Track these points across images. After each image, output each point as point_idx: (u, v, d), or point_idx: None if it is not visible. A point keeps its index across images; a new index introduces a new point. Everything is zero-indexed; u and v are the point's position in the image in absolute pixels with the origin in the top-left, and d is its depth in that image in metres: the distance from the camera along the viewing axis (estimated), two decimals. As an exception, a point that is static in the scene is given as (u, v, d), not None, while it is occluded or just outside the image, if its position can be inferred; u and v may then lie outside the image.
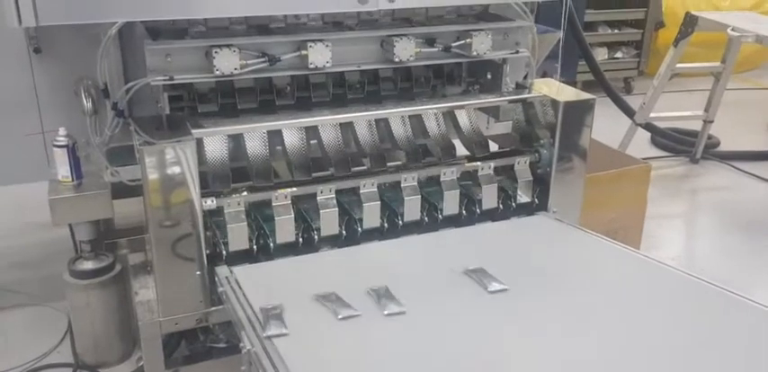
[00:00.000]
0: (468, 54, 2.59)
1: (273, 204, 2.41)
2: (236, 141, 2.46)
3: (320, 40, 2.36)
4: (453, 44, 2.57)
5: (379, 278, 2.19)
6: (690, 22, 4.59)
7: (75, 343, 2.90)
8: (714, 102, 4.91)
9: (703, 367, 1.83)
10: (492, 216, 2.76)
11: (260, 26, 2.54)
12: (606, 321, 2.02)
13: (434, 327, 1.97)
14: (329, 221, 2.49)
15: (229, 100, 2.58)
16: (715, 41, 5.03)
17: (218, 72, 2.26)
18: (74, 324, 2.88)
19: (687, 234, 4.37)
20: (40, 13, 1.96)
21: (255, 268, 2.37)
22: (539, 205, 2.82)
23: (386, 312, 2.02)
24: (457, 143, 2.77)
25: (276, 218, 2.41)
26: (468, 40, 2.57)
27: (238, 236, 2.37)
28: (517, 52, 2.70)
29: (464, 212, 2.72)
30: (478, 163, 2.72)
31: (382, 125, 2.66)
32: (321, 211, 2.47)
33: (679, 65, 4.74)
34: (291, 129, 2.51)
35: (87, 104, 2.41)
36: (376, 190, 2.55)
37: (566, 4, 3.74)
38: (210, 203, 2.32)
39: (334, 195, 2.50)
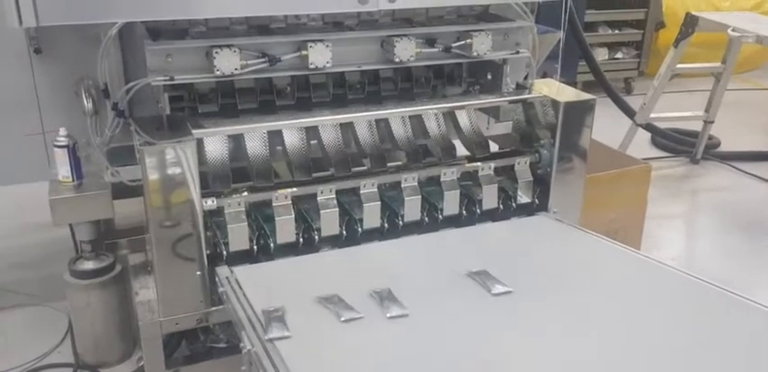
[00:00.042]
0: (469, 54, 2.59)
1: (274, 204, 2.41)
2: (237, 141, 2.46)
3: (320, 41, 2.36)
4: (454, 44, 2.57)
5: (381, 279, 2.18)
6: (690, 23, 4.59)
7: (76, 343, 2.91)
8: (714, 103, 4.91)
9: (704, 367, 1.83)
10: (492, 216, 2.76)
11: (260, 26, 2.54)
12: (607, 321, 2.02)
13: (438, 330, 1.96)
14: (329, 221, 2.49)
15: (230, 100, 2.58)
16: (715, 42, 5.03)
17: (218, 72, 2.26)
18: (74, 324, 2.88)
19: (687, 234, 4.37)
20: (41, 14, 1.96)
21: (256, 268, 2.37)
22: (539, 205, 2.82)
23: (389, 314, 2.00)
24: (457, 143, 2.77)
25: (276, 219, 2.41)
26: (468, 41, 2.57)
27: (239, 236, 2.37)
28: (517, 52, 2.70)
29: (464, 212, 2.72)
30: (479, 163, 2.72)
31: (382, 125, 2.66)
32: (321, 211, 2.47)
33: (679, 65, 4.74)
34: (292, 130, 2.51)
35: (88, 104, 2.41)
36: (376, 190, 2.55)
37: (566, 5, 3.74)
38: (211, 203, 2.32)
39: (334, 195, 2.50)
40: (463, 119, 2.80)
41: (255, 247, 2.43)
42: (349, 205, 2.55)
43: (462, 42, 2.58)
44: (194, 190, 2.24)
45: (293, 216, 2.43)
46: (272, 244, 2.43)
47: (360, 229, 2.54)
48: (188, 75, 2.28)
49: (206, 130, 2.32)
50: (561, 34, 3.48)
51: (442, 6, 2.75)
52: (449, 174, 2.66)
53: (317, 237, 2.50)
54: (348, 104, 2.70)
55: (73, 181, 2.56)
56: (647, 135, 5.32)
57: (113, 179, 2.41)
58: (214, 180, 2.38)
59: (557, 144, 2.71)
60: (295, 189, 2.45)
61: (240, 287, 2.20)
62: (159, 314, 2.35)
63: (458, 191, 2.66)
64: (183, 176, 2.21)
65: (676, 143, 5.31)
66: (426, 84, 2.90)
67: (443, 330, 1.96)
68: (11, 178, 2.71)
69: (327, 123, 2.52)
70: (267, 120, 2.45)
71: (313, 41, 2.35)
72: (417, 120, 2.71)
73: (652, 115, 4.87)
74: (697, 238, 4.29)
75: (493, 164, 2.73)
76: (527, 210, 2.81)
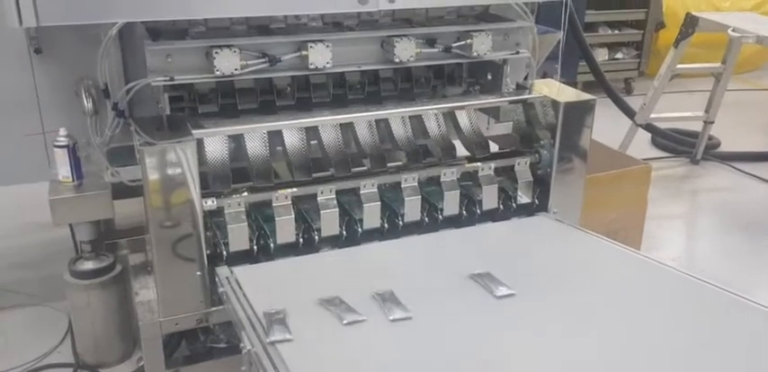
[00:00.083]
0: (469, 54, 2.59)
1: (274, 204, 2.41)
2: (237, 141, 2.46)
3: (321, 41, 2.36)
4: (454, 45, 2.57)
5: (383, 280, 2.17)
6: (690, 23, 4.59)
7: (76, 343, 2.91)
8: (714, 103, 4.91)
9: (704, 367, 1.82)
10: (492, 216, 2.76)
11: (260, 26, 2.54)
12: (607, 322, 2.02)
13: (442, 333, 1.94)
14: (329, 221, 2.49)
15: (230, 100, 2.58)
16: (715, 42, 5.03)
17: (218, 72, 2.26)
18: (74, 324, 2.88)
19: (687, 234, 4.37)
20: (41, 14, 1.96)
21: (256, 268, 2.37)
22: (539, 205, 2.82)
23: (392, 317, 1.98)
24: (457, 143, 2.77)
25: (276, 219, 2.41)
26: (468, 41, 2.57)
27: (239, 237, 2.37)
28: (517, 53, 2.70)
29: (464, 213, 2.72)
30: (479, 163, 2.72)
31: (383, 125, 2.66)
32: (321, 212, 2.47)
33: (679, 65, 4.74)
34: (292, 130, 2.51)
35: (88, 105, 2.41)
36: (376, 190, 2.55)
37: (566, 5, 3.75)
38: (211, 203, 2.32)
39: (334, 195, 2.50)
40: (463, 119, 2.80)
41: (255, 247, 2.43)
42: (349, 205, 2.55)
43: (462, 42, 2.58)
44: (194, 190, 2.24)
45: (293, 216, 2.43)
46: (272, 245, 2.43)
47: (360, 229, 2.54)
48: (188, 76, 2.28)
49: (206, 130, 2.32)
50: (561, 34, 3.48)
51: (442, 6, 2.75)
52: (449, 175, 2.66)
53: (317, 237, 2.50)
54: (348, 104, 2.70)
55: (73, 181, 2.56)
56: (648, 135, 5.32)
57: (113, 179, 2.41)
58: (214, 180, 2.38)
59: (557, 144, 2.71)
60: (295, 189, 2.45)
61: (240, 288, 2.20)
62: (159, 314, 2.35)
63: (458, 192, 2.66)
64: (183, 176, 2.20)
65: (676, 143, 5.31)
66: (426, 85, 2.90)
67: (447, 333, 1.94)
68: (11, 178, 2.71)
69: (327, 123, 2.52)
70: (267, 121, 2.45)
71: (313, 42, 2.35)
72: (417, 121, 2.71)
73: (652, 115, 4.87)
74: (697, 238, 4.29)
75: (493, 165, 2.73)
76: (527, 211, 2.81)
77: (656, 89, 4.75)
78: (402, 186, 2.59)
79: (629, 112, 4.98)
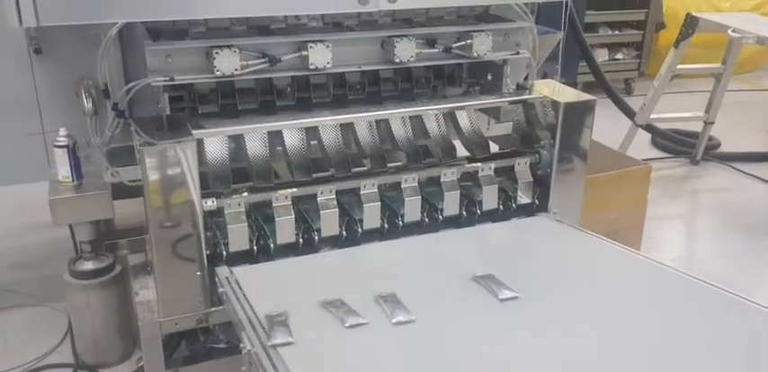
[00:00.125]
0: (469, 55, 2.59)
1: (274, 205, 2.41)
2: (237, 142, 2.46)
3: (321, 41, 2.36)
4: (454, 45, 2.57)
5: (384, 281, 2.16)
6: (690, 24, 4.59)
7: (76, 343, 2.90)
8: (715, 104, 4.91)
9: (704, 367, 1.82)
10: (492, 216, 2.76)
11: (260, 27, 2.54)
12: (606, 322, 2.02)
13: (446, 337, 1.92)
14: (329, 222, 2.49)
15: (230, 100, 2.58)
16: (716, 43, 5.03)
17: (218, 72, 2.26)
18: (74, 325, 2.88)
19: (687, 235, 4.37)
20: (41, 14, 1.96)
21: (256, 268, 2.37)
22: (539, 206, 2.81)
23: (394, 320, 1.96)
24: (457, 144, 2.77)
25: (276, 219, 2.41)
26: (468, 41, 2.57)
27: (239, 237, 2.37)
28: (518, 53, 2.70)
29: (464, 213, 2.72)
30: (479, 164, 2.72)
31: (383, 126, 2.66)
32: (321, 212, 2.47)
33: (679, 66, 4.74)
34: (292, 130, 2.51)
35: (88, 105, 2.41)
36: (376, 190, 2.55)
37: (566, 6, 3.75)
38: (211, 204, 2.32)
39: (334, 196, 2.50)
40: (463, 119, 2.80)
41: (255, 247, 2.43)
42: (349, 205, 2.55)
43: (462, 43, 2.58)
44: (194, 190, 2.24)
45: (293, 216, 2.43)
46: (271, 245, 2.43)
47: (360, 230, 2.54)
48: (188, 76, 2.28)
49: (206, 131, 2.32)
50: (561, 35, 3.48)
51: (443, 7, 2.75)
52: (449, 175, 2.66)
53: (316, 238, 2.50)
54: (348, 105, 2.70)
55: (73, 181, 2.56)
56: (648, 136, 5.32)
57: (113, 179, 2.41)
58: (214, 180, 2.38)
59: (557, 144, 2.71)
60: (295, 189, 2.45)
61: (240, 288, 2.20)
62: (159, 314, 2.35)
63: (458, 192, 2.66)
64: (183, 176, 2.20)
65: (676, 144, 5.31)
66: (426, 85, 2.90)
67: (451, 337, 1.92)
68: (11, 178, 2.71)
69: (327, 123, 2.52)
70: (267, 121, 2.45)
71: (313, 42, 2.36)
72: (417, 121, 2.71)
73: (652, 116, 4.87)
74: (697, 239, 4.29)
75: (493, 165, 2.73)
76: (527, 211, 2.81)
77: (656, 89, 4.75)
78: (402, 186, 2.59)
79: (630, 113, 4.98)
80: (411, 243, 2.55)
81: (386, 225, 2.59)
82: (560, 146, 2.71)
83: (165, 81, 2.23)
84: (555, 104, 2.68)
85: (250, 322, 1.99)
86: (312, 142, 2.55)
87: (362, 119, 2.58)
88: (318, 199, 2.47)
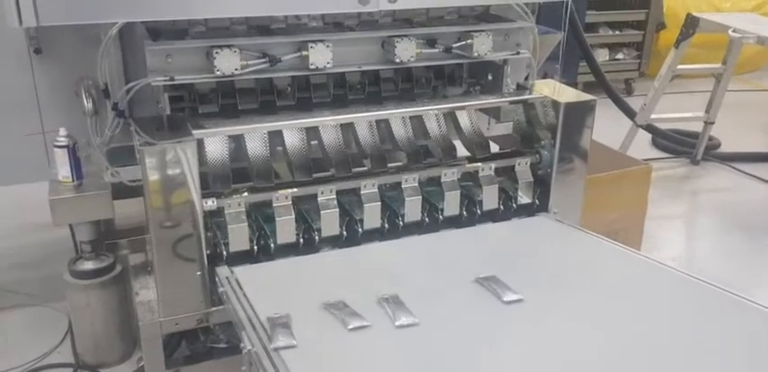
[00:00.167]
0: (469, 55, 2.59)
1: (274, 205, 2.41)
2: (237, 142, 2.46)
3: (321, 41, 2.36)
4: (454, 45, 2.57)
5: (386, 282, 2.15)
6: (691, 24, 4.59)
7: (76, 343, 2.90)
8: (715, 104, 4.91)
9: (704, 367, 1.82)
10: (492, 216, 2.76)
11: (261, 27, 2.54)
12: (607, 322, 2.02)
13: (450, 340, 1.90)
14: (330, 222, 2.49)
15: (230, 100, 2.58)
16: (716, 43, 5.03)
17: (218, 72, 2.26)
18: (74, 325, 2.88)
19: (687, 235, 4.37)
20: (41, 14, 1.96)
21: (256, 268, 2.36)
22: (539, 206, 2.81)
23: (398, 323, 1.95)
24: (458, 144, 2.77)
25: (277, 219, 2.41)
26: (469, 41, 2.57)
27: (239, 237, 2.37)
28: (518, 53, 2.70)
29: (465, 213, 2.72)
30: (479, 164, 2.72)
31: (383, 126, 2.66)
32: (322, 212, 2.47)
33: (680, 66, 4.74)
34: (292, 130, 2.51)
35: (88, 105, 2.41)
36: (377, 190, 2.55)
37: (567, 6, 3.75)
38: (211, 204, 2.32)
39: (334, 196, 2.50)
40: (464, 119, 2.80)
41: (256, 247, 2.43)
42: (349, 205, 2.55)
43: (463, 43, 2.58)
44: (194, 190, 2.24)
45: (293, 216, 2.43)
46: (272, 245, 2.43)
47: (360, 229, 2.54)
48: (188, 76, 2.28)
49: (206, 131, 2.32)
50: (562, 35, 3.48)
51: (443, 7, 2.75)
52: (449, 175, 2.66)
53: (317, 238, 2.50)
54: (348, 105, 2.70)
55: (73, 181, 2.56)
56: (648, 136, 5.32)
57: (113, 179, 2.41)
58: (214, 180, 2.38)
59: (557, 144, 2.71)
60: (295, 189, 2.45)
61: (240, 288, 2.20)
62: (159, 314, 2.35)
63: (458, 192, 2.66)
64: (184, 176, 2.20)
65: (677, 144, 5.31)
66: (427, 85, 2.90)
67: (456, 340, 1.90)
68: (11, 178, 2.71)
69: (328, 123, 2.52)
70: (267, 121, 2.45)
71: (313, 42, 2.35)
72: (418, 121, 2.70)
73: (652, 116, 4.87)
74: (697, 239, 4.29)
75: (493, 165, 2.73)
76: (527, 211, 2.81)
77: (656, 89, 4.75)
78: (402, 186, 2.59)
79: (630, 113, 4.98)
80: (411, 243, 2.55)
81: (386, 225, 2.59)
82: (561, 146, 2.71)
83: (165, 81, 2.23)
84: (555, 104, 2.68)
85: (250, 321, 1.99)
86: (312, 142, 2.55)
87: (363, 119, 2.58)
88: (319, 199, 2.47)
